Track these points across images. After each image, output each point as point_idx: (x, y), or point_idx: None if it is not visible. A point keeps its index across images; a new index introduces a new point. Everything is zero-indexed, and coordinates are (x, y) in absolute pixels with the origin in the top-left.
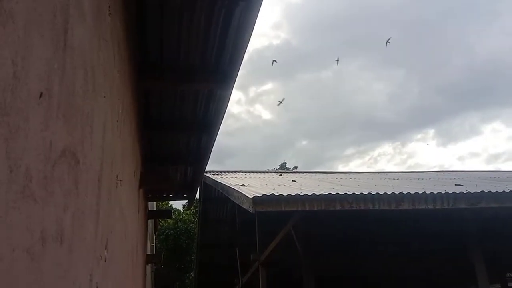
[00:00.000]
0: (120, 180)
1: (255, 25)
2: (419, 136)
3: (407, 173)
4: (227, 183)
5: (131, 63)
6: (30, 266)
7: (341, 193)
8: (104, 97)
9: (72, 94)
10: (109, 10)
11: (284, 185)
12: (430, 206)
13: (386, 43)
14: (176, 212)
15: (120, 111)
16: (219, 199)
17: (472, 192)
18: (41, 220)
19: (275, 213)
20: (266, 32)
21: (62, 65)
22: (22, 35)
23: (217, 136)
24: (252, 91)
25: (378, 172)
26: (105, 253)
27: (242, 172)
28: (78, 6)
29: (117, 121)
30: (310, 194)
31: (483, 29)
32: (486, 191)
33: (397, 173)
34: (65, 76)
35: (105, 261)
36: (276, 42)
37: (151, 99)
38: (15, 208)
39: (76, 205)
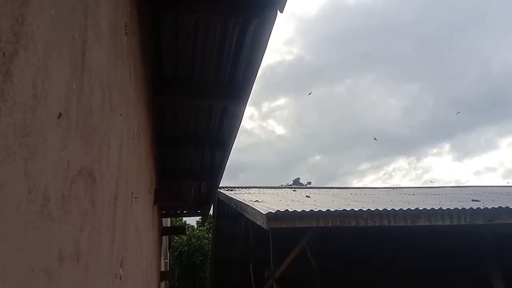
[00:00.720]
0: (135, 197)
1: (269, 41)
2: (434, 150)
3: (423, 189)
4: (240, 199)
5: (146, 79)
6: (48, 286)
7: (356, 209)
8: (121, 115)
9: (90, 114)
10: (125, 29)
11: (298, 201)
12: (447, 222)
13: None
14: (190, 228)
15: (136, 128)
16: (232, 215)
17: (489, 208)
18: (58, 240)
19: (289, 229)
20: (279, 48)
21: (80, 85)
22: (42, 58)
23: (231, 151)
24: (265, 106)
25: (393, 188)
26: (121, 271)
27: (256, 187)
28: (96, 27)
29: (132, 139)
30: (325, 210)
31: (497, 43)
32: (504, 206)
33: (412, 189)
34: (83, 96)
35: (120, 279)
36: (289, 57)
37: (166, 114)
38: (33, 228)
39: (93, 224)
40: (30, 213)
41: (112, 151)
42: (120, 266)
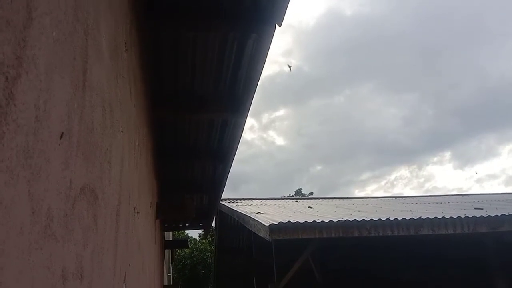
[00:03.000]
0: (137, 212)
1: (268, 54)
2: (435, 159)
3: (425, 197)
4: (243, 211)
5: (146, 94)
6: None
7: (359, 219)
8: (122, 131)
9: (91, 132)
10: (125, 46)
11: (300, 212)
12: (450, 231)
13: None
14: (192, 241)
15: (137, 144)
16: (235, 228)
17: (492, 215)
18: (62, 259)
19: (292, 240)
20: (278, 59)
21: (81, 104)
22: (44, 79)
23: (232, 163)
24: (265, 117)
25: (395, 197)
26: (124, 287)
27: (258, 199)
28: (96, 45)
29: (133, 154)
30: (327, 221)
31: (494, 51)
32: (507, 214)
33: (415, 198)
34: (84, 115)
35: None
36: (287, 68)
37: (166, 129)
38: (37, 248)
39: (95, 241)
40: (34, 234)
41: (113, 168)
42: (123, 282)
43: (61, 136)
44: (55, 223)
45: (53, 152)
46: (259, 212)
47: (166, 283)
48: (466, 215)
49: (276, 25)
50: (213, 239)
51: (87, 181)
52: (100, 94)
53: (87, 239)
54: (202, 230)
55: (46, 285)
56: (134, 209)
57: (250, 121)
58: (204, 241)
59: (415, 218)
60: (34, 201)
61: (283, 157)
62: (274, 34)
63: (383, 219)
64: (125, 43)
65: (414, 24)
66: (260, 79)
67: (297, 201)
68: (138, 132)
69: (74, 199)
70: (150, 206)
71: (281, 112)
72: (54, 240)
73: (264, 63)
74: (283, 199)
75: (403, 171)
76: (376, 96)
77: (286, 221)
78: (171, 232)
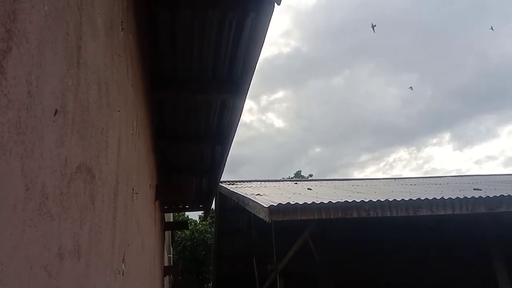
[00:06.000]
0: (136, 193)
1: (266, 35)
2: (434, 140)
3: (424, 179)
4: (242, 192)
5: (144, 75)
6: (48, 283)
7: (358, 200)
8: (119, 111)
9: (87, 110)
10: (121, 24)
11: (299, 193)
12: (449, 212)
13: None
14: (192, 223)
15: (135, 124)
16: (235, 209)
17: (491, 196)
18: (58, 237)
19: (292, 222)
20: (276, 40)
21: (76, 81)
22: (36, 54)
23: (231, 146)
24: (264, 99)
25: (394, 178)
26: (123, 267)
27: (257, 181)
28: (91, 22)
29: (131, 134)
30: (326, 202)
31: (494, 33)
32: (505, 195)
33: (414, 179)
34: (79, 93)
35: (123, 275)
36: (286, 50)
37: (165, 110)
38: (32, 225)
39: (93, 220)
40: (28, 211)
41: (111, 147)
42: (122, 262)
43: (55, 113)
44: (50, 200)
45: (47, 128)
46: (258, 194)
47: (166, 264)
48: (465, 195)
49: (275, 3)
50: (213, 220)
51: (83, 160)
52: (95, 72)
53: (84, 218)
54: (202, 212)
55: (42, 262)
56: (133, 189)
57: (249, 103)
58: (204, 222)
59: (414, 199)
60: (28, 178)
61: (282, 139)
62: (273, 13)
63: (382, 200)
64: (122, 22)
65: (415, 4)
66: (259, 60)
67: (296, 183)
68: (136, 112)
69: (70, 178)
70: (150, 187)
71: (280, 94)
72: (49, 217)
73: (263, 43)
74: (282, 181)
75: (402, 153)
76: (376, 77)
77: (285, 203)
78: (171, 214)
